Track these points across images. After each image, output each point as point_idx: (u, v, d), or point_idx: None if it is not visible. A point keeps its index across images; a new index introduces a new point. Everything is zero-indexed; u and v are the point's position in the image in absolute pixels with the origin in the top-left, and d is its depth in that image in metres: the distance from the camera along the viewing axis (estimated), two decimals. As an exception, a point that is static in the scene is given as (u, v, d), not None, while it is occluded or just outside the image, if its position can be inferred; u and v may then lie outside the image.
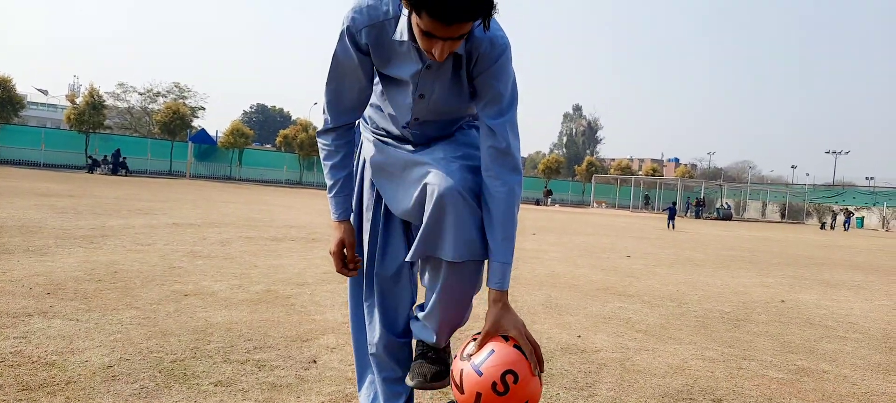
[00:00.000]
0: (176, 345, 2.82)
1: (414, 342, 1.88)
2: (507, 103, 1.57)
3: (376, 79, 1.70)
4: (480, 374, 1.45)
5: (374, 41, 1.57)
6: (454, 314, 1.71)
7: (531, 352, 1.51)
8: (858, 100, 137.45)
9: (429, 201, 1.55)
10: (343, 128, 1.74)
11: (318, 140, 1.78)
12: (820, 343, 3.95)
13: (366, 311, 1.89)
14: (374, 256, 1.84)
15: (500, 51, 1.53)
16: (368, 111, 1.83)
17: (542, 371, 1.54)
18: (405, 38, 1.50)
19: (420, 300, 1.85)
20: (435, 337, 1.75)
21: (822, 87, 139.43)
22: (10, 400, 2.08)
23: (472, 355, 1.52)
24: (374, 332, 1.86)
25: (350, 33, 1.57)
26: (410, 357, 1.89)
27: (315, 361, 2.76)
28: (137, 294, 3.83)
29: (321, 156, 1.78)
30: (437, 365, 1.76)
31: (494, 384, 1.43)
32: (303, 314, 3.65)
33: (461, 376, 1.50)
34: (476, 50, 1.52)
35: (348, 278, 1.90)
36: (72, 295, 3.64)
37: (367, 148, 1.83)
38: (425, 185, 1.58)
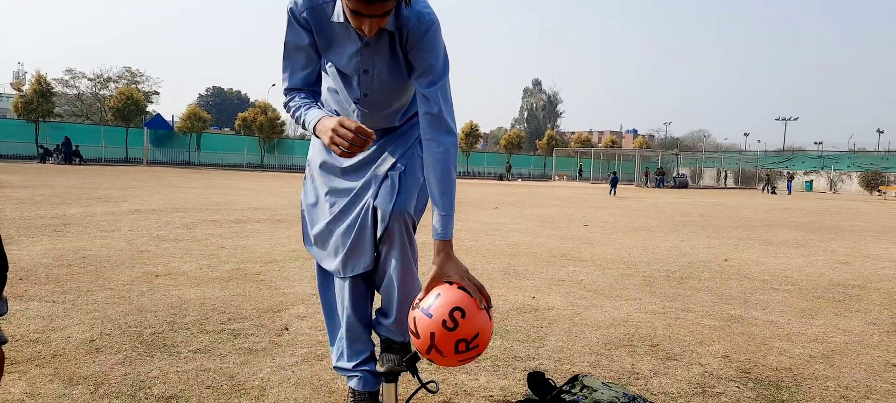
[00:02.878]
0: (153, 320, 2.98)
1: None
2: (438, 73, 1.76)
3: (328, 63, 1.88)
4: (430, 316, 1.65)
5: (315, 23, 1.75)
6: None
7: (475, 290, 1.72)
8: (806, 68, 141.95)
9: (379, 227, 1.82)
10: (306, 90, 1.90)
11: (286, 105, 1.87)
12: (754, 295, 4.31)
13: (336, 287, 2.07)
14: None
15: (426, 26, 1.72)
16: (325, 94, 2.01)
17: (489, 306, 1.73)
18: (342, 19, 1.70)
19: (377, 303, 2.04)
20: (402, 334, 1.95)
21: (772, 55, 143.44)
22: (0, 374, 2.22)
23: (421, 302, 1.72)
24: (342, 307, 2.05)
25: (293, 14, 1.75)
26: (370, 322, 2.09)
27: (287, 328, 2.96)
28: (109, 276, 3.95)
29: (292, 114, 1.83)
30: (404, 353, 1.96)
31: (444, 321, 1.63)
32: (273, 288, 3.83)
33: (414, 322, 1.70)
34: (405, 27, 1.71)
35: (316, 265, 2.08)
36: (44, 280, 3.74)
37: (317, 149, 2.02)
38: (373, 211, 1.82)
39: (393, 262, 1.86)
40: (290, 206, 10.31)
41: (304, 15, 1.73)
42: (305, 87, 1.86)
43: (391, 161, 1.91)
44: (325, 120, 1.68)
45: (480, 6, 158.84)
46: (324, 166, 1.98)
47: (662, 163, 47.61)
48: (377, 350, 2.02)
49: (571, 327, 3.22)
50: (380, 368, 1.94)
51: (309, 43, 1.78)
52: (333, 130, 1.61)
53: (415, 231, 1.86)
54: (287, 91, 1.85)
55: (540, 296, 3.94)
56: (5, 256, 1.15)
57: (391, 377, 1.91)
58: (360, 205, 1.86)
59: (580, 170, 49.56)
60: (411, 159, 1.91)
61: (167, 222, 7.17)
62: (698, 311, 3.72)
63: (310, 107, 1.79)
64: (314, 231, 1.98)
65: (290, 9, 1.74)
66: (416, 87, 1.78)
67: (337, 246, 1.94)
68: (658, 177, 41.38)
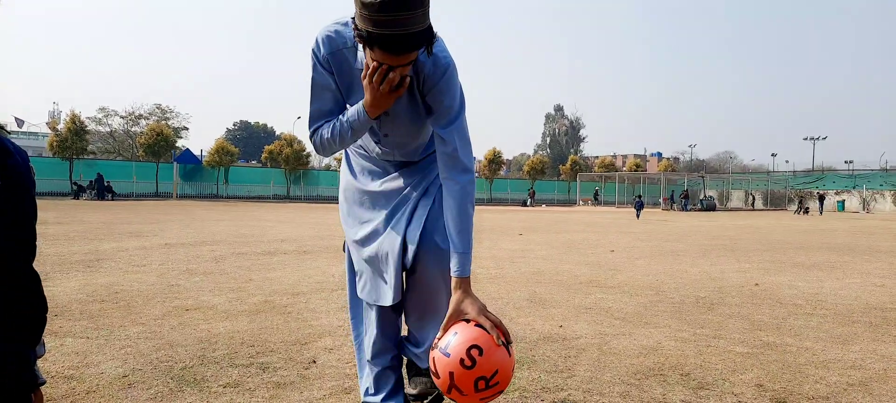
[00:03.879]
0: (183, 355, 3.02)
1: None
2: (454, 114, 1.79)
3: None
4: (448, 355, 1.66)
5: (336, 67, 1.80)
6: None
7: (492, 326, 1.72)
8: (833, 86, 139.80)
9: (392, 258, 1.85)
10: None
11: (314, 138, 1.89)
12: (787, 321, 4.21)
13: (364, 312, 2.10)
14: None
15: (442, 70, 1.76)
16: None
17: (508, 342, 1.73)
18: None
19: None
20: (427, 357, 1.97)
21: (798, 75, 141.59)
22: (37, 410, 2.27)
23: (439, 341, 1.73)
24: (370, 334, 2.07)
25: (316, 57, 1.80)
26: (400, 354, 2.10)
27: (315, 361, 2.97)
28: (141, 311, 4.02)
29: (329, 135, 1.83)
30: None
31: (462, 360, 1.63)
32: (300, 320, 3.86)
33: (434, 362, 1.71)
34: (422, 71, 1.75)
35: (347, 273, 2.11)
36: (78, 316, 3.82)
37: (345, 177, 2.07)
38: (404, 242, 1.87)
39: (422, 291, 1.88)
40: (316, 237, 10.40)
41: (328, 59, 1.78)
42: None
43: (416, 194, 1.94)
44: (363, 101, 1.72)
45: (501, 33, 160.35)
46: (353, 192, 2.02)
47: (689, 186, 47.03)
48: (406, 382, 2.03)
49: (600, 356, 3.18)
50: (412, 390, 1.95)
51: (334, 84, 1.83)
52: (369, 79, 1.64)
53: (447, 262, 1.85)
54: (312, 123, 1.87)
55: (567, 325, 3.91)
56: (44, 298, 1.19)
57: (420, 400, 1.93)
58: (385, 236, 1.89)
59: (596, 194, 49.13)
60: (439, 191, 1.93)
61: (197, 255, 7.29)
62: (730, 338, 3.64)
63: (343, 115, 1.81)
64: (351, 250, 2.03)
65: (314, 52, 1.79)
66: (434, 129, 1.81)
67: (362, 272, 1.98)
68: (683, 200, 40.83)
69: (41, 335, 1.17)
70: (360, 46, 1.71)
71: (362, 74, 1.67)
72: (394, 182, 1.97)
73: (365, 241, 1.94)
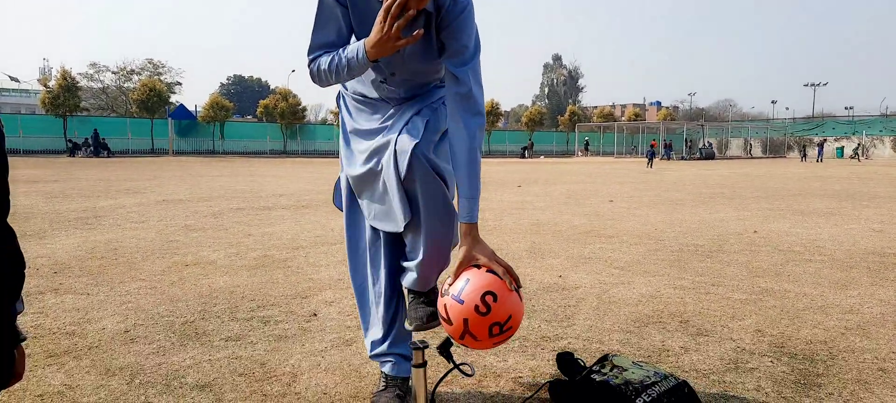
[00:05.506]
0: (184, 309, 3.03)
1: (404, 289, 2.08)
2: (470, 54, 1.74)
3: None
4: (462, 302, 1.65)
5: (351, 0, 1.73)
6: (439, 257, 1.91)
7: (504, 272, 1.70)
8: (834, 31, 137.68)
9: (390, 174, 1.77)
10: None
11: (311, 66, 1.81)
12: (786, 267, 4.23)
13: (369, 258, 2.07)
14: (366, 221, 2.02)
15: (462, 7, 1.71)
16: None
17: (519, 286, 1.72)
18: None
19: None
20: (426, 283, 1.95)
21: (798, 19, 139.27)
22: (40, 366, 2.28)
23: (451, 287, 1.71)
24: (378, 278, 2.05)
25: None
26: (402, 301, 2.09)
27: (316, 314, 2.98)
28: (141, 267, 4.02)
29: (327, 66, 1.77)
30: (432, 306, 1.96)
31: (476, 306, 1.62)
32: (300, 274, 3.86)
33: (446, 309, 1.70)
34: (441, 6, 1.70)
35: (345, 228, 2.08)
36: (78, 273, 3.82)
37: (346, 118, 2.01)
38: (386, 157, 1.80)
39: (418, 203, 1.83)
40: (314, 191, 10.38)
41: None
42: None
43: (412, 110, 1.89)
44: (366, 40, 1.66)
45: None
46: (355, 132, 1.98)
47: (687, 135, 46.84)
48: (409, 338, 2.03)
49: (600, 305, 3.19)
50: (408, 325, 1.94)
51: (340, 16, 1.77)
52: (381, 19, 1.58)
53: (444, 181, 1.80)
54: (312, 52, 1.81)
55: (567, 275, 3.92)
56: (21, 255, 1.16)
57: (418, 348, 1.88)
58: (384, 153, 1.84)
59: (586, 145, 48.91)
60: (435, 112, 1.89)
61: (195, 211, 7.27)
62: (729, 285, 3.66)
63: (344, 49, 1.75)
64: (354, 187, 1.99)
65: None
66: (446, 66, 1.76)
67: (369, 201, 1.95)
68: (666, 150, 40.40)
69: (20, 292, 1.14)
70: None
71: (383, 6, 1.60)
72: (391, 113, 1.93)
73: (365, 162, 1.90)
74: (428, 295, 1.98)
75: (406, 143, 1.77)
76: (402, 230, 1.86)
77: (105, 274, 3.82)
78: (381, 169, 1.85)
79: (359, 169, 1.93)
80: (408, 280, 1.98)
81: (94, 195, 9.24)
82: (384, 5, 1.59)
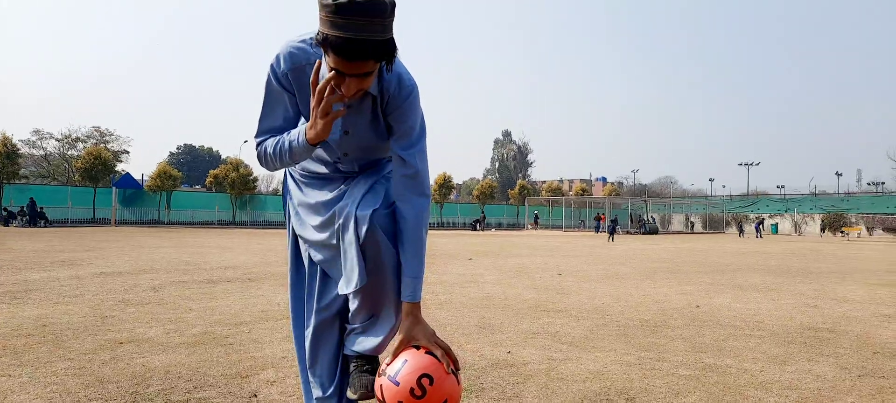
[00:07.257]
0: (115, 392, 2.86)
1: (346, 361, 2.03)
2: (416, 136, 1.79)
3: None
4: (397, 384, 1.62)
5: (297, 84, 1.76)
6: (386, 322, 1.88)
7: (443, 354, 1.69)
8: (765, 114, 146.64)
9: (349, 239, 1.76)
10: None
11: (259, 149, 1.84)
12: (727, 342, 4.33)
13: (308, 338, 2.03)
14: (313, 293, 1.99)
15: (407, 92, 1.75)
16: None
17: (457, 369, 1.71)
18: None
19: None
20: (374, 345, 1.90)
21: (731, 102, 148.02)
22: (-52, 457, 2.10)
23: (388, 368, 1.69)
24: (321, 360, 2.01)
25: (274, 75, 1.75)
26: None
27: (256, 395, 2.86)
28: (70, 345, 3.80)
29: (272, 150, 1.79)
30: (375, 376, 1.92)
31: (412, 389, 1.60)
32: (241, 352, 3.72)
33: (382, 391, 1.67)
34: (386, 91, 1.74)
35: (290, 301, 2.04)
36: (0, 352, 3.58)
37: (294, 191, 2.01)
38: (344, 222, 1.79)
39: (373, 268, 1.80)
40: (263, 263, 10.15)
41: (288, 77, 1.74)
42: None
43: (368, 180, 1.90)
44: (305, 126, 1.68)
45: (450, 62, 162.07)
46: (303, 205, 1.98)
47: (632, 210, 48.25)
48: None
49: (548, 382, 3.18)
50: (351, 394, 1.89)
51: (289, 102, 1.79)
52: (316, 105, 1.59)
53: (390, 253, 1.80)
54: (259, 136, 1.83)
55: (516, 350, 3.90)
56: None
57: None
58: (341, 217, 1.83)
59: (535, 219, 49.94)
60: (388, 182, 1.90)
61: (134, 285, 6.98)
62: (673, 361, 3.71)
63: (287, 134, 1.77)
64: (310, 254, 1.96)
65: (272, 67, 1.75)
66: (393, 149, 1.80)
67: (327, 264, 1.93)
68: (611, 224, 41.38)
69: None
70: (323, 63, 1.65)
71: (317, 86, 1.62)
72: (339, 189, 1.94)
73: (321, 229, 1.89)
74: (371, 362, 1.95)
75: (366, 210, 1.78)
76: (352, 292, 1.84)
77: (30, 352, 3.59)
78: (337, 239, 1.85)
79: (312, 234, 1.93)
80: (357, 345, 1.94)
81: (26, 267, 8.79)
82: (318, 88, 1.59)
